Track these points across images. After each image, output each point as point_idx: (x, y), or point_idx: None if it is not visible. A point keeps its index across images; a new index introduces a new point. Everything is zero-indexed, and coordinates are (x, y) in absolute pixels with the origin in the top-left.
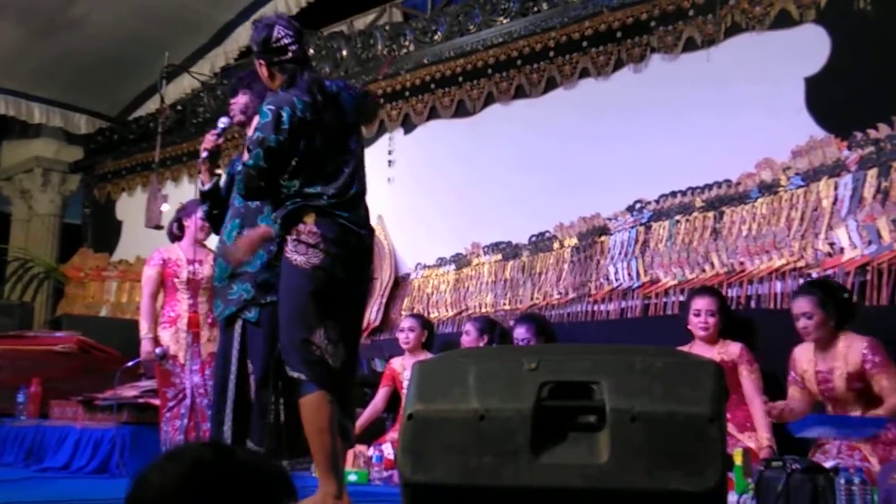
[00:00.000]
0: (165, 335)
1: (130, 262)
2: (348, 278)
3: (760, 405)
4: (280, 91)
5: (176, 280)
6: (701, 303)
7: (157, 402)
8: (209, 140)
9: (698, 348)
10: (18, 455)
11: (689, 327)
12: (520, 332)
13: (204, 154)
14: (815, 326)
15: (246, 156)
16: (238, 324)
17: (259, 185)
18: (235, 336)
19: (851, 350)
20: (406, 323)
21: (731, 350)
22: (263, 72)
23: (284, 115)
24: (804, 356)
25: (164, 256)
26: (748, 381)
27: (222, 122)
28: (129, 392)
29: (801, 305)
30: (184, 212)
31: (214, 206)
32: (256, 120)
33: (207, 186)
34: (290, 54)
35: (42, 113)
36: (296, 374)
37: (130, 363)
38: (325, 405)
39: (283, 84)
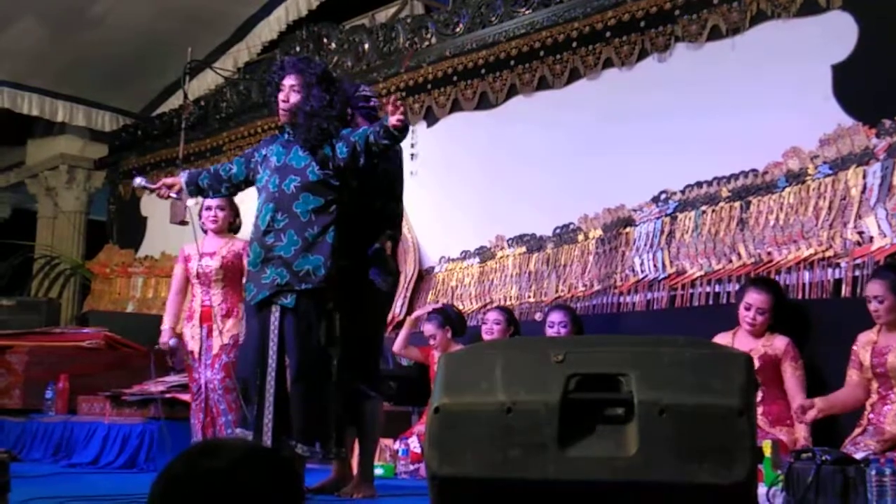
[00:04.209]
0: (187, 331)
1: (156, 258)
2: None
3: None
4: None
5: (191, 275)
6: (754, 298)
7: (184, 397)
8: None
9: (742, 337)
10: (47, 451)
11: (739, 317)
12: (556, 317)
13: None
14: (886, 310)
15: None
16: (274, 309)
17: None
18: (272, 322)
19: None
20: (427, 330)
21: (776, 344)
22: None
23: None
24: (865, 338)
25: (186, 253)
26: (792, 377)
27: (138, 182)
28: (156, 387)
29: (874, 289)
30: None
31: (202, 195)
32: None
33: (186, 195)
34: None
35: (66, 111)
36: (370, 392)
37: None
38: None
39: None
